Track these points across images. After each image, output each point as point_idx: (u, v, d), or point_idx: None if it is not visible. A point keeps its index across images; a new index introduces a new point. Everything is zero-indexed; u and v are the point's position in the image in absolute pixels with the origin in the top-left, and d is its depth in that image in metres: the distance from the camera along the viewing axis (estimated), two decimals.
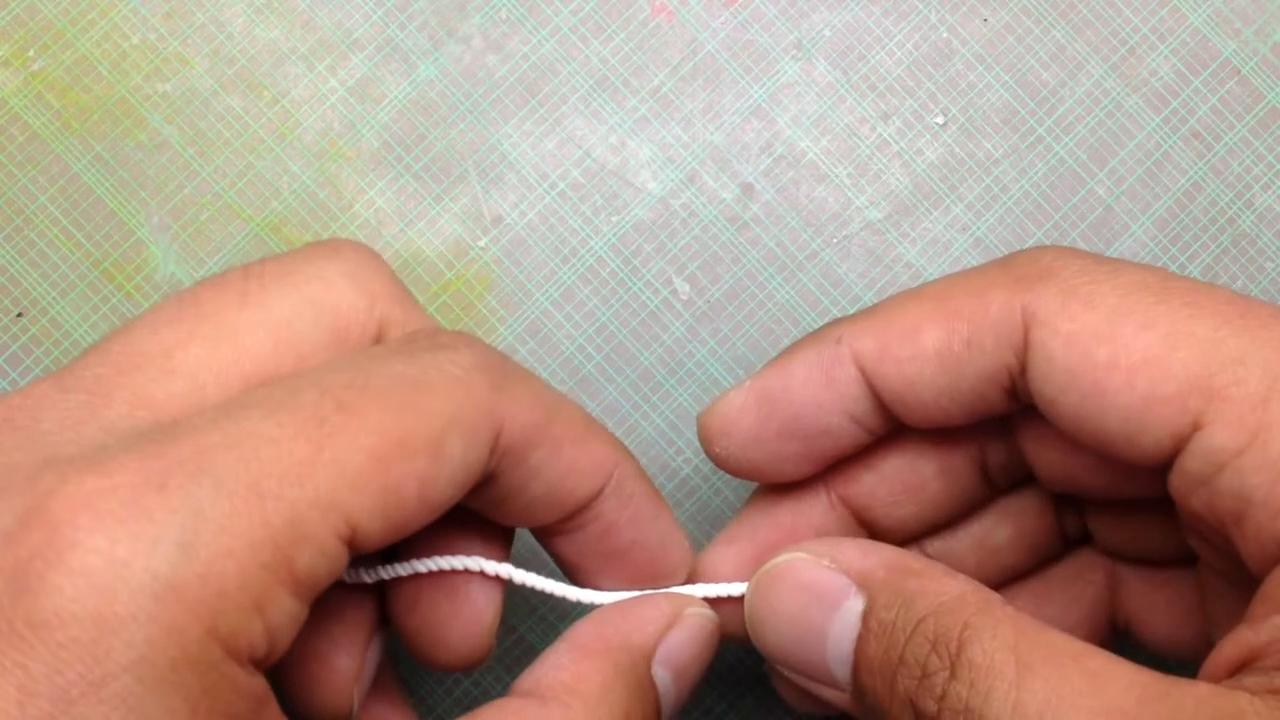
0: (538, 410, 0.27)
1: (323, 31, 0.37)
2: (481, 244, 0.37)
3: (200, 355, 0.26)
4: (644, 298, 0.37)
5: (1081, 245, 0.37)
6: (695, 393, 0.37)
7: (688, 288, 0.37)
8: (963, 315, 0.28)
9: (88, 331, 0.37)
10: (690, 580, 0.31)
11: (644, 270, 0.37)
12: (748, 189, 0.37)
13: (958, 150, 0.37)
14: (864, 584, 0.28)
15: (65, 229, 0.37)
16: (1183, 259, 0.37)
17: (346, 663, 0.29)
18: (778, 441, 0.30)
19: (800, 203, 0.37)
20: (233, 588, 0.22)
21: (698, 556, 0.32)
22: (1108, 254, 0.36)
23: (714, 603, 0.31)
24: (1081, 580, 0.32)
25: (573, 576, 0.31)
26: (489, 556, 0.29)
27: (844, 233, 0.37)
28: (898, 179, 0.37)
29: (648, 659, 0.29)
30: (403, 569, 0.29)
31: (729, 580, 0.31)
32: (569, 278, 0.37)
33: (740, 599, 0.30)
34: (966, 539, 0.32)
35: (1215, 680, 0.24)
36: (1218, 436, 0.25)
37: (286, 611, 0.23)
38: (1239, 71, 0.37)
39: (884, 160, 0.37)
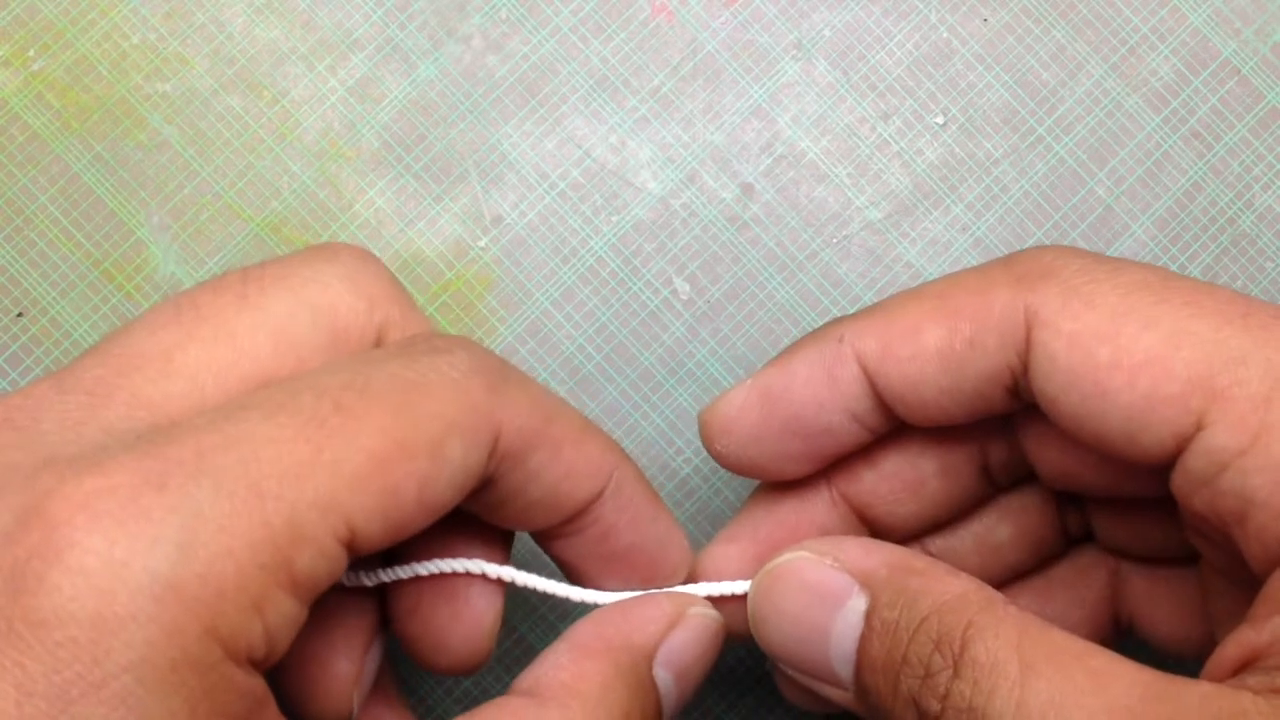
0: (536, 414, 0.27)
1: (323, 31, 0.37)
2: (481, 244, 0.37)
3: (199, 357, 0.26)
4: (644, 298, 0.37)
5: (1081, 245, 0.37)
6: (695, 393, 0.37)
7: (688, 288, 0.37)
8: (965, 314, 0.28)
9: (88, 331, 0.37)
10: (691, 579, 0.31)
11: (644, 270, 0.37)
12: (748, 189, 0.37)
13: (958, 150, 0.37)
14: (867, 583, 0.28)
15: (65, 229, 0.37)
16: (1183, 259, 0.37)
17: (346, 666, 0.29)
18: (779, 439, 0.30)
19: (800, 203, 0.37)
20: (232, 588, 0.22)
21: (699, 555, 0.32)
22: (1108, 254, 0.36)
23: (716, 601, 0.31)
24: (1084, 578, 0.32)
25: (573, 578, 0.31)
26: (489, 559, 0.29)
27: (844, 233, 0.37)
28: (898, 179, 0.37)
29: (649, 659, 0.29)
30: (403, 572, 0.29)
31: (731, 579, 0.31)
32: (569, 278, 0.37)
33: (742, 598, 0.30)
34: (968, 537, 0.32)
35: (1218, 680, 0.24)
36: (1220, 436, 0.25)
37: (285, 612, 0.23)
38: (1239, 71, 0.37)
39: (884, 160, 0.37)
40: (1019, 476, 0.32)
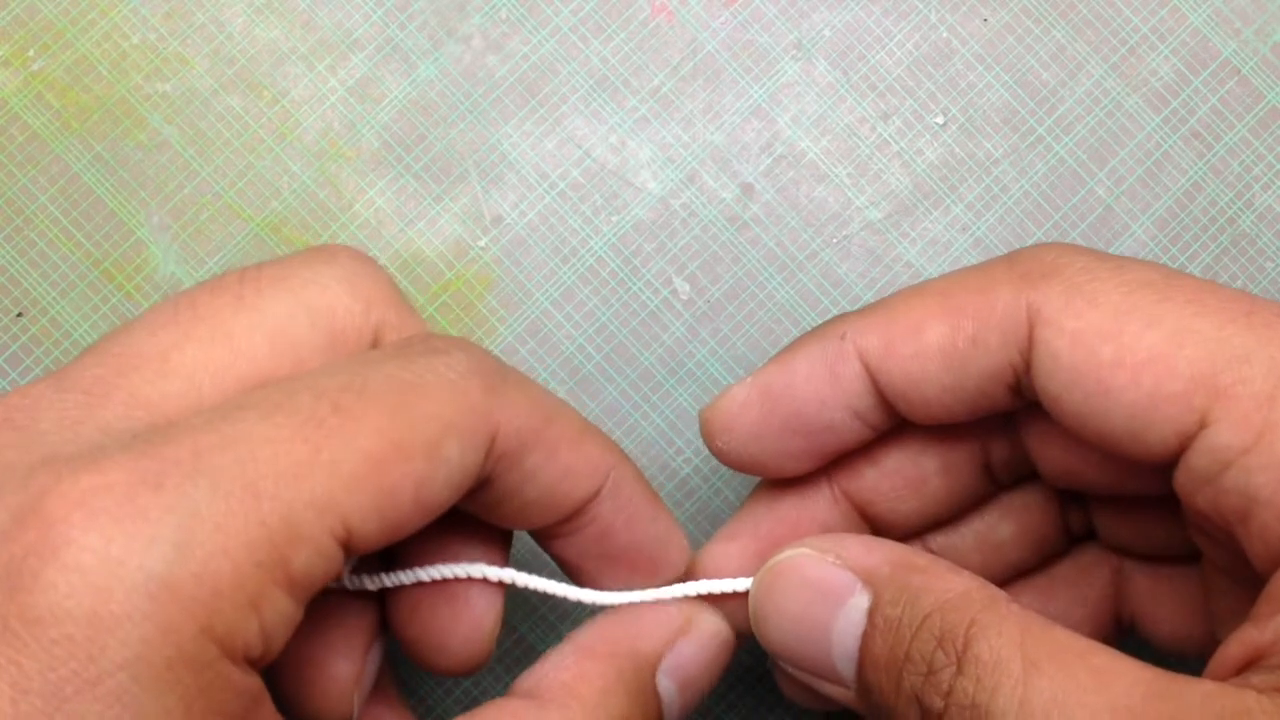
0: (533, 414, 0.27)
1: (323, 31, 0.37)
2: (481, 244, 0.37)
3: (196, 357, 0.26)
4: (644, 298, 0.37)
5: (1082, 245, 0.37)
6: (695, 393, 0.37)
7: (688, 288, 0.37)
8: (967, 312, 0.28)
9: (88, 331, 0.37)
10: (692, 577, 0.31)
11: (644, 270, 0.37)
12: (748, 189, 0.37)
13: (958, 150, 0.37)
14: (869, 580, 0.28)
15: (65, 229, 0.37)
16: (1183, 259, 0.37)
17: (346, 669, 0.29)
18: (780, 437, 0.30)
19: (800, 203, 0.37)
20: (228, 587, 0.22)
21: (699, 552, 0.32)
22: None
23: (717, 599, 0.31)
24: (1086, 577, 0.32)
25: (573, 577, 0.31)
26: (488, 559, 0.29)
27: (844, 233, 0.37)
28: (898, 179, 0.37)
29: (652, 667, 0.29)
30: (406, 577, 0.29)
31: (732, 576, 0.31)
32: (569, 278, 0.37)
33: (743, 595, 0.30)
34: (970, 535, 0.32)
35: (1221, 679, 0.24)
36: (1223, 435, 0.25)
37: (282, 611, 0.23)
38: (1239, 71, 0.37)
39: (884, 160, 0.37)
40: (1021, 474, 0.32)
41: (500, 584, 0.29)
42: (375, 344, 0.28)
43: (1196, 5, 0.37)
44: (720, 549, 0.32)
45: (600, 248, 0.37)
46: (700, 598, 0.31)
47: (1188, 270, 0.37)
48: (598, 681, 0.28)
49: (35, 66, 0.37)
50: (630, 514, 0.29)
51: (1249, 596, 0.26)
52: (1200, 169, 0.37)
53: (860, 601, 0.27)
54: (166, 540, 0.22)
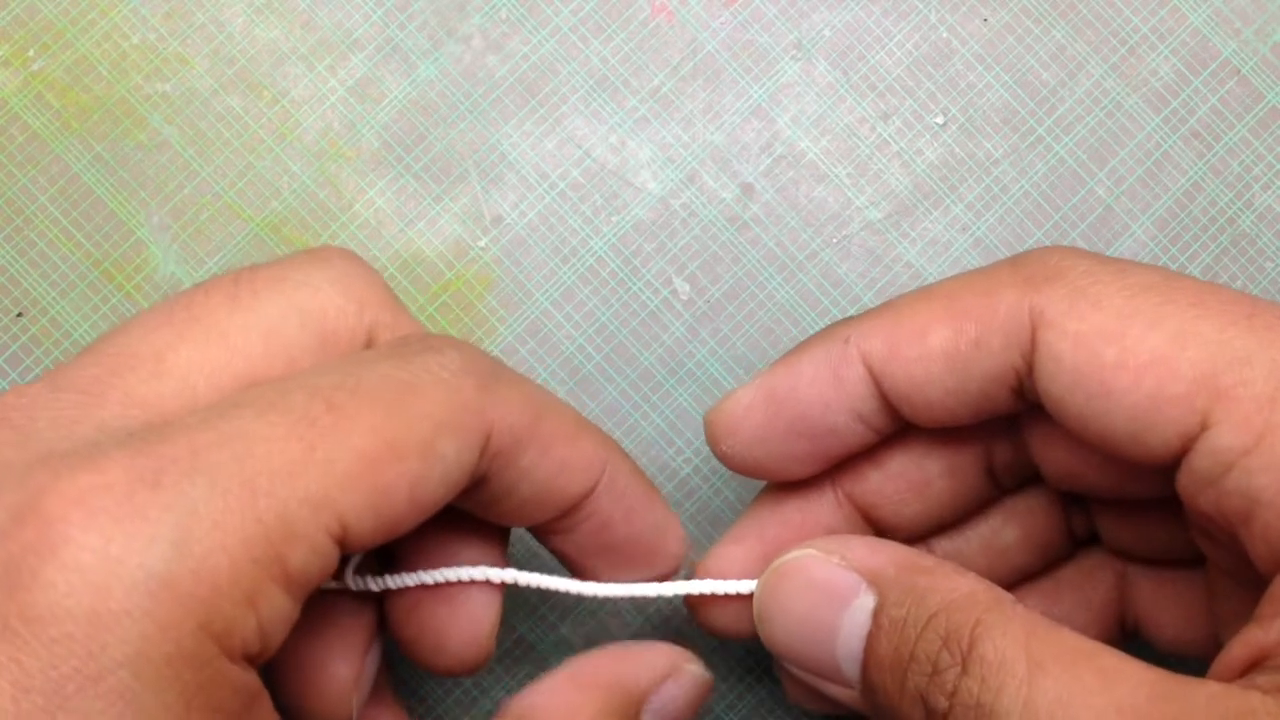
0: (527, 412, 0.27)
1: (323, 31, 0.37)
2: (481, 244, 0.37)
3: (191, 357, 0.26)
4: (644, 298, 0.37)
5: (1081, 245, 0.37)
6: (695, 393, 0.37)
7: (688, 288, 0.37)
8: (971, 315, 0.28)
9: (88, 331, 0.37)
10: (697, 578, 0.31)
11: (644, 270, 0.37)
12: (748, 189, 0.37)
13: (958, 150, 0.37)
14: (874, 581, 0.28)
15: (65, 229, 0.37)
16: (1183, 259, 0.37)
17: (345, 670, 0.29)
18: (784, 440, 0.30)
19: (800, 203, 0.37)
20: (226, 583, 0.22)
21: (705, 555, 0.32)
22: (1108, 254, 0.36)
23: (721, 600, 0.31)
24: (1090, 581, 0.32)
25: (573, 572, 0.31)
26: (486, 556, 0.29)
27: (844, 233, 0.37)
28: (898, 179, 0.37)
29: (639, 704, 0.29)
30: (411, 579, 0.29)
31: (737, 578, 0.31)
32: (569, 278, 0.37)
33: (748, 597, 0.30)
34: (975, 540, 0.32)
35: (1225, 680, 0.24)
36: (1225, 436, 0.25)
37: (279, 608, 0.24)
38: (1239, 71, 0.37)
39: (884, 160, 0.37)
40: (1024, 478, 0.32)
41: (500, 584, 0.29)
42: (369, 345, 0.28)
43: (1196, 5, 0.37)
44: (725, 552, 0.32)
45: (600, 248, 0.37)
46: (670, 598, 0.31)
47: (1188, 271, 0.37)
48: (587, 711, 0.28)
49: (35, 66, 0.37)
50: (627, 507, 0.30)
51: (1252, 598, 0.26)
52: (1200, 169, 0.37)
53: (865, 602, 0.27)
54: (165, 538, 0.22)
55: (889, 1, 0.38)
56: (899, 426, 0.30)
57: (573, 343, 0.37)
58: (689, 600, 0.32)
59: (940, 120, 0.37)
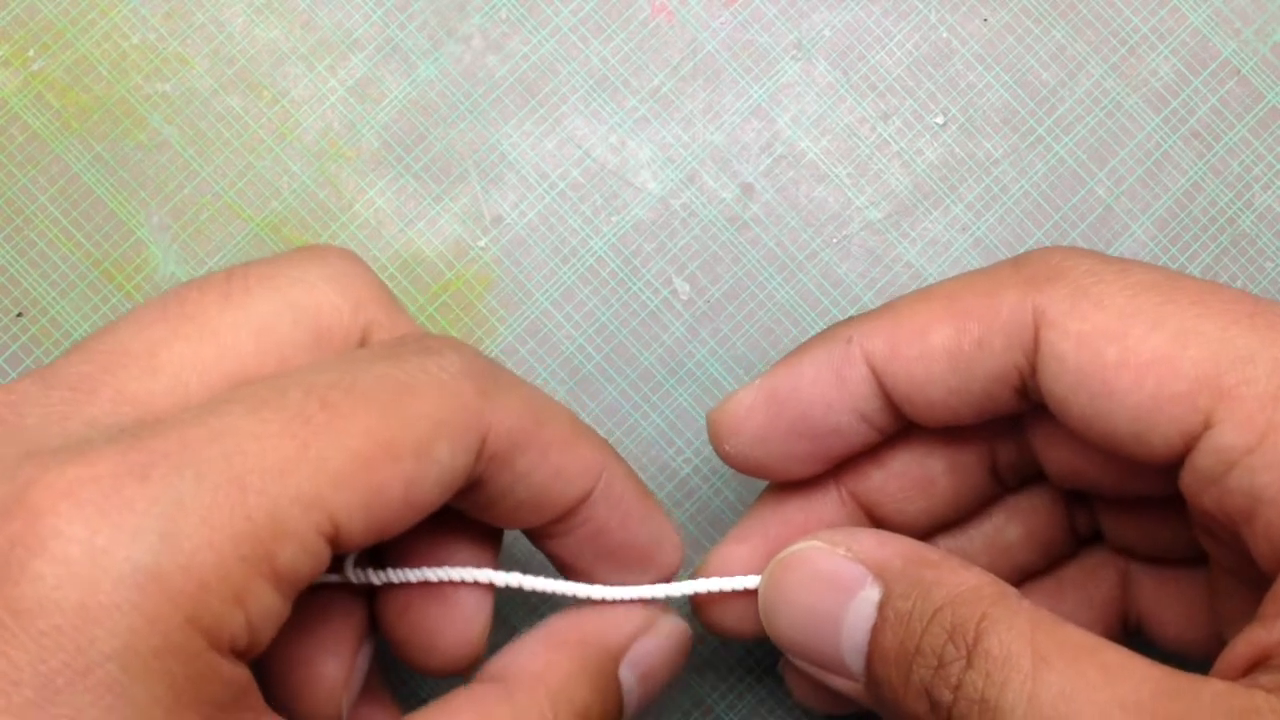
0: (525, 415, 0.27)
1: (323, 31, 0.37)
2: (481, 244, 0.37)
3: (184, 354, 0.26)
4: (644, 298, 0.37)
5: (1081, 245, 0.37)
6: (695, 393, 0.37)
7: (688, 288, 0.37)
8: (973, 315, 0.28)
9: (88, 331, 0.36)
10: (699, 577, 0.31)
11: (644, 270, 0.37)
12: (748, 189, 0.37)
13: (958, 150, 0.37)
14: (880, 573, 0.28)
15: (65, 229, 0.37)
16: (1183, 259, 0.37)
17: (335, 668, 0.29)
18: (787, 440, 0.30)
19: (800, 203, 0.37)
20: (213, 579, 0.22)
21: (709, 554, 0.32)
22: (1108, 254, 0.36)
23: (726, 597, 0.31)
24: (1093, 579, 0.32)
25: (568, 576, 0.31)
26: (479, 557, 0.29)
27: (844, 233, 0.37)
28: (898, 179, 0.37)
29: (616, 659, 0.29)
30: (413, 575, 0.29)
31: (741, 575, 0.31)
32: (569, 278, 0.37)
33: (752, 594, 0.30)
34: (978, 538, 0.32)
35: (1228, 679, 0.24)
36: (1228, 435, 0.25)
37: (267, 605, 0.23)
38: (1239, 71, 0.37)
39: (884, 160, 0.37)
40: (1028, 476, 0.32)
41: (491, 584, 0.29)
42: (362, 344, 0.28)
43: (1196, 5, 0.37)
44: (730, 551, 0.32)
45: (600, 248, 0.37)
46: (665, 601, 0.31)
47: (1188, 270, 0.37)
48: (564, 668, 0.28)
49: (35, 66, 0.37)
50: (623, 513, 0.30)
51: (1255, 597, 0.26)
52: (1200, 169, 0.37)
53: (871, 594, 0.27)
54: (152, 530, 0.22)
55: (889, 1, 0.38)
56: (901, 426, 0.30)
57: (573, 343, 0.37)
58: (695, 600, 0.32)
59: (940, 120, 0.37)
